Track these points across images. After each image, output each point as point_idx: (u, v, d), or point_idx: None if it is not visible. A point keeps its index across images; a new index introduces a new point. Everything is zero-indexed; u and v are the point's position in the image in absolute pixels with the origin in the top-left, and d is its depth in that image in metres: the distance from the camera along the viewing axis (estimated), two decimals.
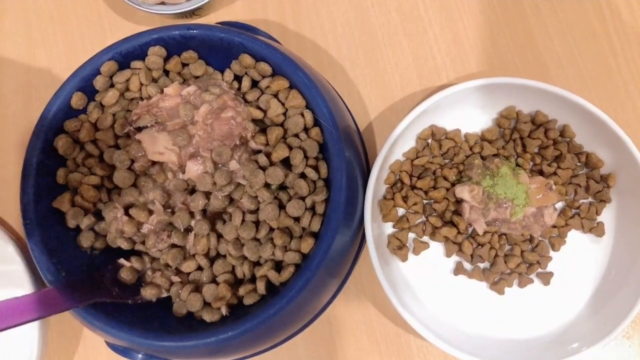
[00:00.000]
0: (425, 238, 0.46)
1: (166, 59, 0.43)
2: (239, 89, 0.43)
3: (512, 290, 0.45)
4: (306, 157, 0.39)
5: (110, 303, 0.38)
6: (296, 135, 0.40)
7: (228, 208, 0.39)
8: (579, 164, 0.46)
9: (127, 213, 0.40)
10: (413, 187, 0.45)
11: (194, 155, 0.39)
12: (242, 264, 0.39)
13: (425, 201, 0.46)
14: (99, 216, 0.41)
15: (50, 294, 0.35)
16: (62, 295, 0.35)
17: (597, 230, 0.45)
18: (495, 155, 0.45)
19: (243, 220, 0.39)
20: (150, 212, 0.40)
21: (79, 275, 0.39)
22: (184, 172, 0.39)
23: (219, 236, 0.40)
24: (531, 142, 0.45)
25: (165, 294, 0.40)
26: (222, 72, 0.43)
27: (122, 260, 0.40)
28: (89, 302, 0.36)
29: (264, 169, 0.39)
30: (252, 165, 0.38)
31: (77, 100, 0.41)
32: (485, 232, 0.44)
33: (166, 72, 0.43)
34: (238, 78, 0.43)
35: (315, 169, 0.39)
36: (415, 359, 0.45)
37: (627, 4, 0.50)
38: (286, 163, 0.40)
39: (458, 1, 0.51)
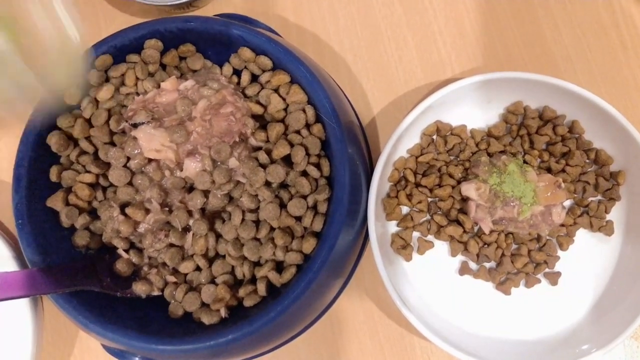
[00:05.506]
0: (430, 237, 0.45)
1: (163, 53, 0.41)
2: (238, 83, 0.42)
3: (518, 291, 0.44)
4: (308, 154, 0.38)
5: (108, 303, 0.37)
6: (297, 132, 0.39)
7: (227, 207, 0.38)
8: (588, 161, 0.45)
9: (123, 212, 0.39)
10: (418, 185, 0.44)
11: (192, 152, 0.38)
12: (242, 264, 0.38)
13: (430, 199, 0.45)
14: (94, 215, 0.40)
15: (35, 275, 0.35)
16: (47, 277, 0.35)
17: (606, 229, 0.44)
18: (502, 152, 0.44)
19: (243, 220, 0.38)
20: (147, 211, 0.39)
21: (70, 261, 0.38)
22: (181, 170, 0.38)
23: (218, 236, 0.39)
24: (539, 138, 0.44)
25: (156, 292, 0.39)
26: (220, 66, 0.42)
27: (120, 251, 0.40)
28: (75, 289, 0.36)
29: (264, 166, 0.38)
30: (252, 163, 0.38)
31: (70, 96, 0.40)
32: (491, 231, 0.43)
33: (163, 66, 0.42)
34: (237, 72, 0.42)
35: (317, 166, 0.38)
36: None
37: None
38: (287, 160, 0.39)
39: None
